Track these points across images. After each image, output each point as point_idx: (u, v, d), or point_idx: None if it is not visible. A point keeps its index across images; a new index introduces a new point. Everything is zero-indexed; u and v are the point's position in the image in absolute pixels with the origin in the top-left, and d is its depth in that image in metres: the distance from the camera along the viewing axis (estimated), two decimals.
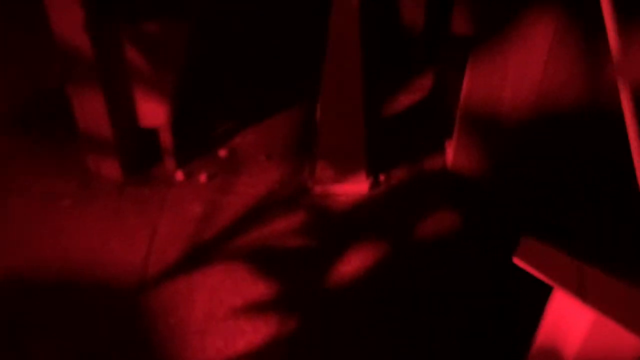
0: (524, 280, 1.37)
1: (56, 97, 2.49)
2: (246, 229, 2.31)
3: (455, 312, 2.05)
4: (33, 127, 2.62)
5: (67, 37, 2.10)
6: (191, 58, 2.70)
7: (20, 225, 2.28)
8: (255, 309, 2.05)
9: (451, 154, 2.49)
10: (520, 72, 2.16)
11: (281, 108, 2.82)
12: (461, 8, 2.72)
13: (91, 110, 2.32)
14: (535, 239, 1.24)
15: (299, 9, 3.17)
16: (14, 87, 2.76)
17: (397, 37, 3.03)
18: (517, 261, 1.23)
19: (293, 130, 2.71)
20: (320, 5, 2.30)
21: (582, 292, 1.17)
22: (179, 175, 2.50)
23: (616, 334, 1.17)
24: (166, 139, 2.48)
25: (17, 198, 2.36)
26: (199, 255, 2.21)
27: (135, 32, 2.18)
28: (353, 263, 2.20)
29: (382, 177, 2.51)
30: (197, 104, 2.78)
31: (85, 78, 2.24)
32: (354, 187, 2.44)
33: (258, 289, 2.11)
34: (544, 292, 1.34)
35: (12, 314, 2.02)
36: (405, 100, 2.87)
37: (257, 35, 3.15)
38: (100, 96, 2.28)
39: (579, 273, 1.17)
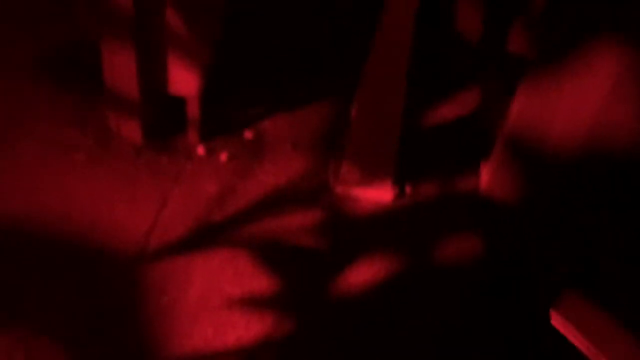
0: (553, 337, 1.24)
1: (87, 49, 2.39)
2: (258, 218, 2.20)
3: (461, 354, 1.91)
4: (59, 76, 2.53)
5: None
6: (229, 33, 2.59)
7: (27, 172, 2.20)
8: (252, 303, 1.94)
9: (486, 176, 2.35)
10: (575, 103, 2.01)
11: (314, 99, 2.69)
12: (521, 25, 2.57)
13: (121, 67, 2.23)
14: (578, 293, 1.09)
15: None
16: (47, 33, 2.67)
17: (447, 44, 2.89)
18: (555, 318, 1.08)
19: (323, 124, 2.59)
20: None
21: None
22: (200, 150, 2.40)
23: None
24: (193, 109, 2.38)
25: (29, 144, 2.28)
26: (204, 237, 2.11)
27: None
28: (362, 274, 2.08)
29: (408, 189, 2.38)
30: (229, 81, 2.66)
31: (120, 33, 2.14)
32: (378, 194, 2.31)
33: (259, 283, 2.00)
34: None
35: (5, 263, 1.93)
36: (444, 111, 2.72)
37: (299, 22, 3.02)
38: (133, 54, 2.19)
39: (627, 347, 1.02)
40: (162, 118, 2.43)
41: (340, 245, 2.15)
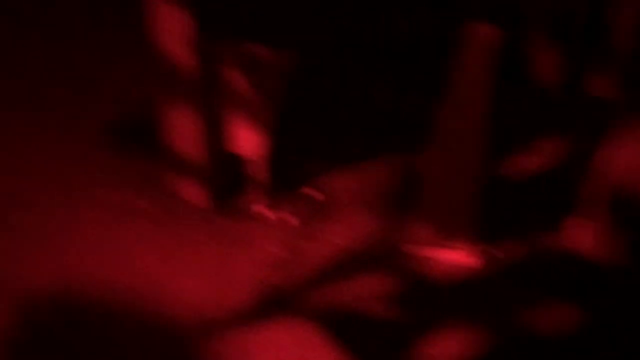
0: None
1: (153, 113, 2.38)
2: (327, 284, 2.06)
3: None
4: (125, 140, 2.53)
5: (167, 51, 1.99)
6: (293, 89, 2.53)
7: (91, 239, 2.17)
8: None
9: (574, 235, 2.12)
10: None
11: (382, 154, 2.56)
12: (603, 66, 2.36)
13: (184, 130, 2.20)
14: None
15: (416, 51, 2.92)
16: (113, 96, 2.69)
17: (525, 94, 2.70)
18: None
19: (393, 180, 2.45)
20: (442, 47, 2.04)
21: None
22: (265, 212, 2.31)
23: None
24: (258, 170, 2.30)
25: (90, 209, 2.26)
26: (267, 305, 1.98)
27: (239, 54, 2.03)
28: (444, 347, 1.88)
29: (488, 250, 2.18)
30: (293, 138, 2.58)
31: (181, 96, 2.12)
32: (457, 255, 2.13)
33: (326, 358, 1.84)
34: None
35: (62, 329, 1.88)
36: (523, 161, 2.51)
37: (362, 78, 2.93)
38: (196, 116, 2.15)
39: None
40: (227, 180, 2.37)
41: (418, 314, 1.97)
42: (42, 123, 2.55)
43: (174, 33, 1.97)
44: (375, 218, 2.29)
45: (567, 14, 2.42)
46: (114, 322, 1.91)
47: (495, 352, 1.87)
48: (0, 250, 2.08)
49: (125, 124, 2.57)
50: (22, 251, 2.09)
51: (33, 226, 2.17)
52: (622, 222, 1.96)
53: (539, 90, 2.62)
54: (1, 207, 2.22)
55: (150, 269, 2.08)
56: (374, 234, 2.23)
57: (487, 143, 2.00)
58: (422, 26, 2.60)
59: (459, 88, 1.89)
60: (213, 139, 2.23)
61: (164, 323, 1.92)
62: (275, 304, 1.99)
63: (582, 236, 2.06)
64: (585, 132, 2.36)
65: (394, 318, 1.96)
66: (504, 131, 2.59)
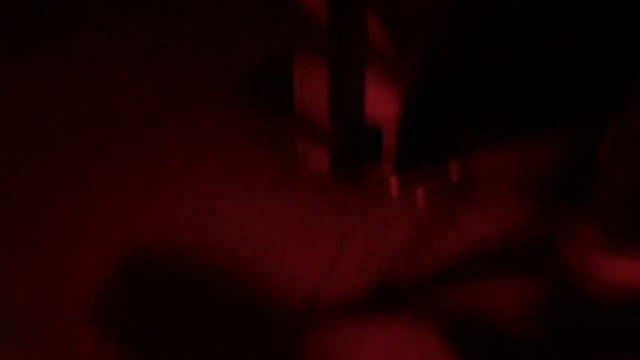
0: None
1: (287, 69, 2.16)
2: (456, 280, 1.73)
3: None
4: (256, 95, 2.35)
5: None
6: (441, 41, 2.16)
7: (206, 192, 2.01)
8: None
9: None
10: None
11: (543, 130, 2.13)
12: None
13: (311, 86, 1.95)
14: None
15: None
16: (249, 52, 2.51)
17: None
18: None
19: (554, 164, 2.02)
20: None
21: None
22: (393, 186, 2.01)
23: None
24: (389, 137, 2.00)
25: (215, 161, 2.10)
26: (384, 296, 1.71)
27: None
28: None
29: None
30: (433, 101, 2.21)
31: (311, 46, 1.85)
32: (631, 271, 1.68)
33: None
34: None
35: (155, 289, 1.75)
36: None
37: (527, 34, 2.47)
38: (325, 72, 1.89)
39: None
40: (354, 147, 2.09)
41: (568, 336, 1.58)
42: (182, 67, 2.43)
43: None
44: (525, 207, 1.90)
45: None
46: (212, 289, 1.75)
47: None
48: (110, 196, 1.99)
49: (262, 79, 2.39)
50: (134, 199, 1.99)
51: (149, 172, 2.06)
52: None
53: None
54: (124, 153, 2.13)
55: (258, 233, 1.89)
56: (522, 227, 1.85)
57: None
58: None
59: None
60: (341, 98, 1.97)
61: (266, 301, 1.72)
62: (392, 296, 1.71)
63: None
64: None
65: (535, 335, 1.59)
66: None
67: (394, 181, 2.01)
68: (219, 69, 2.43)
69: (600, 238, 1.67)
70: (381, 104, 1.94)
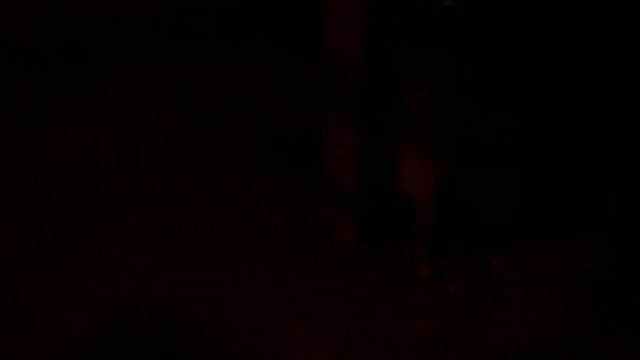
0: None
1: (306, 131, 2.02)
2: None
3: None
4: (279, 158, 2.21)
5: (338, 53, 1.59)
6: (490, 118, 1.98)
7: (220, 256, 1.85)
8: None
9: None
10: None
11: (599, 230, 1.90)
12: None
13: (340, 151, 1.79)
14: None
15: None
16: (274, 116, 2.40)
17: None
18: None
19: (608, 266, 1.78)
20: None
21: None
22: (424, 270, 1.80)
23: None
24: (424, 215, 1.79)
25: (231, 225, 1.96)
26: None
27: (415, 61, 1.55)
28: None
29: None
30: (472, 182, 2.01)
31: (343, 110, 1.70)
32: None
33: None
34: None
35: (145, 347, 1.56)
36: None
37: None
38: (357, 137, 1.73)
39: None
40: (382, 219, 1.89)
41: None
42: (206, 127, 2.35)
43: (346, 31, 1.56)
44: (572, 311, 1.65)
45: None
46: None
47: None
48: (113, 250, 1.84)
49: (286, 142, 2.26)
50: (140, 250, 1.84)
51: (157, 225, 1.92)
52: None
53: None
54: (124, 201, 2.00)
55: (267, 310, 1.70)
56: (565, 332, 1.60)
57: None
58: None
59: None
60: (371, 167, 1.79)
61: None
62: None
63: None
64: None
65: None
66: None
67: (425, 264, 1.79)
68: (240, 132, 2.32)
69: None
70: (416, 177, 1.74)
